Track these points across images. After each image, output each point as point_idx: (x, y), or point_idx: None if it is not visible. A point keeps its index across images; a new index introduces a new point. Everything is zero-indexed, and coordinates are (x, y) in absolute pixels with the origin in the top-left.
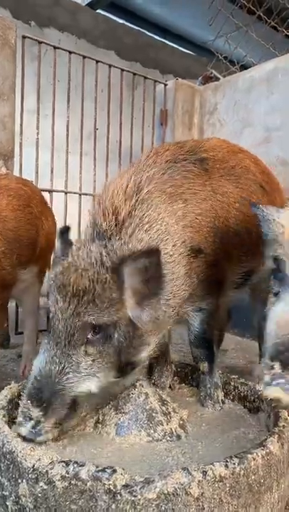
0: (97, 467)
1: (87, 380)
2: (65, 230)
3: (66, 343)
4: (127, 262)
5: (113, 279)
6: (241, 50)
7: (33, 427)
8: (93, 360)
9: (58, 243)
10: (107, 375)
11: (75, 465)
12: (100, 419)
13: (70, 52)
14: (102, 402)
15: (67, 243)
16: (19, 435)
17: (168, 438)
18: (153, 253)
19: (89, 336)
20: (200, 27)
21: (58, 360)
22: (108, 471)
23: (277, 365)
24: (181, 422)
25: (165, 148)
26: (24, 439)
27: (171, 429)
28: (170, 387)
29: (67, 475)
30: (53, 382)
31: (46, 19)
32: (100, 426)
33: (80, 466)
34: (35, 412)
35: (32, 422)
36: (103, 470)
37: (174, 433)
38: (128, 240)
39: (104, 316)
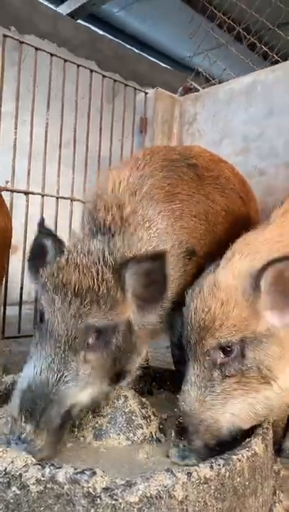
0: (75, 469)
1: (85, 389)
2: (42, 222)
3: (66, 348)
4: (130, 264)
5: (115, 280)
6: (221, 64)
7: (26, 447)
8: (92, 368)
9: (37, 240)
10: (102, 384)
11: (52, 467)
12: (76, 422)
13: (51, 55)
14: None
15: (51, 237)
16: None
17: (147, 441)
18: (158, 257)
19: (90, 341)
20: (179, 43)
21: (56, 368)
22: (87, 473)
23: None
24: (161, 425)
25: (160, 148)
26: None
27: (151, 432)
28: (149, 392)
29: (42, 478)
30: (49, 392)
31: (27, 25)
32: (76, 430)
33: (57, 468)
34: (28, 428)
35: (25, 442)
36: (82, 472)
37: (154, 437)
38: (130, 238)
39: (106, 318)
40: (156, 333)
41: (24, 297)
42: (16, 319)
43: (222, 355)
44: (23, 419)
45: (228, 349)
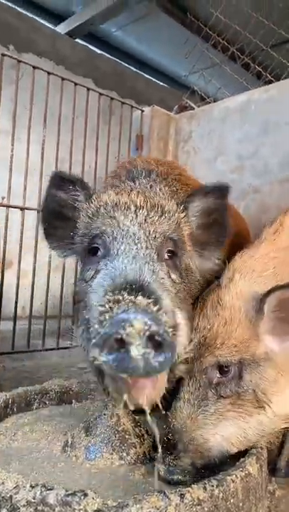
0: (66, 491)
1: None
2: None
3: (153, 252)
4: (192, 197)
5: (180, 211)
6: (215, 82)
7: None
8: (178, 284)
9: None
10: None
11: (43, 489)
12: (69, 441)
13: (48, 73)
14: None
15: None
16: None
17: (141, 461)
18: (222, 191)
19: (166, 257)
20: (175, 62)
21: (151, 263)
22: (79, 495)
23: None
24: (154, 443)
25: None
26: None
27: (144, 451)
28: (142, 411)
29: (33, 500)
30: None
31: (25, 44)
32: (69, 449)
33: (48, 489)
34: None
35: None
36: (73, 494)
37: (148, 456)
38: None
39: (175, 232)
40: None
41: (18, 312)
42: (9, 334)
43: (218, 375)
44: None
45: (226, 369)
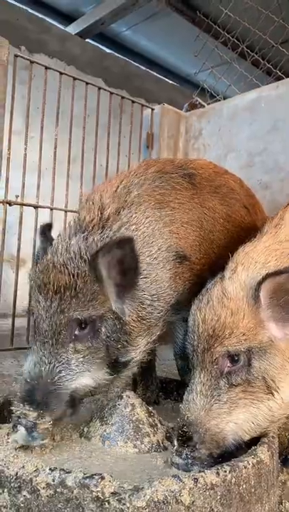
0: (84, 474)
1: (81, 376)
2: (48, 227)
3: (54, 341)
4: (101, 254)
5: (92, 272)
6: (225, 80)
7: (29, 432)
8: (84, 357)
9: (38, 241)
10: (99, 371)
11: (62, 472)
12: (85, 431)
13: (60, 73)
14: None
15: (48, 241)
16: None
17: (155, 449)
18: (125, 242)
19: (76, 332)
20: (184, 60)
21: (47, 360)
22: (96, 477)
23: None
24: (167, 434)
25: (156, 161)
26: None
27: (158, 440)
28: (155, 402)
29: (52, 482)
30: (46, 383)
31: (36, 45)
32: (84, 439)
33: (67, 473)
34: (30, 415)
35: (27, 426)
36: (91, 477)
37: (161, 445)
38: (112, 235)
39: (88, 309)
40: (153, 330)
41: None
42: (23, 331)
43: (229, 364)
44: (24, 408)
45: (236, 358)
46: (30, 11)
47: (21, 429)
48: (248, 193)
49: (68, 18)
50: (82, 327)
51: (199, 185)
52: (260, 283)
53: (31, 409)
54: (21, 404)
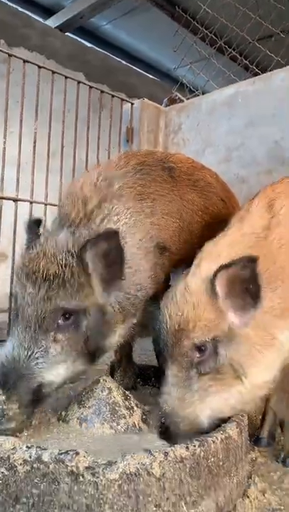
0: (59, 450)
1: (56, 366)
2: (37, 222)
3: (36, 328)
4: (88, 247)
5: (78, 264)
6: (204, 76)
7: None
8: (62, 347)
9: (26, 235)
10: (75, 363)
11: (38, 449)
12: (63, 414)
13: (39, 67)
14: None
15: (35, 235)
16: None
17: (130, 430)
18: (111, 236)
19: (59, 322)
20: (164, 55)
21: (26, 345)
22: (71, 453)
23: None
24: (143, 416)
25: (136, 153)
26: None
27: (134, 422)
28: (133, 387)
29: (29, 459)
30: (21, 367)
31: (16, 39)
32: (63, 422)
33: (43, 449)
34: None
35: None
36: (66, 453)
37: (137, 426)
38: (96, 229)
39: (74, 300)
40: (132, 320)
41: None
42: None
43: (198, 355)
44: None
45: (203, 348)
46: (9, 4)
47: None
48: (224, 187)
49: (48, 11)
50: (66, 317)
51: (178, 179)
52: (215, 275)
53: (3, 395)
54: None
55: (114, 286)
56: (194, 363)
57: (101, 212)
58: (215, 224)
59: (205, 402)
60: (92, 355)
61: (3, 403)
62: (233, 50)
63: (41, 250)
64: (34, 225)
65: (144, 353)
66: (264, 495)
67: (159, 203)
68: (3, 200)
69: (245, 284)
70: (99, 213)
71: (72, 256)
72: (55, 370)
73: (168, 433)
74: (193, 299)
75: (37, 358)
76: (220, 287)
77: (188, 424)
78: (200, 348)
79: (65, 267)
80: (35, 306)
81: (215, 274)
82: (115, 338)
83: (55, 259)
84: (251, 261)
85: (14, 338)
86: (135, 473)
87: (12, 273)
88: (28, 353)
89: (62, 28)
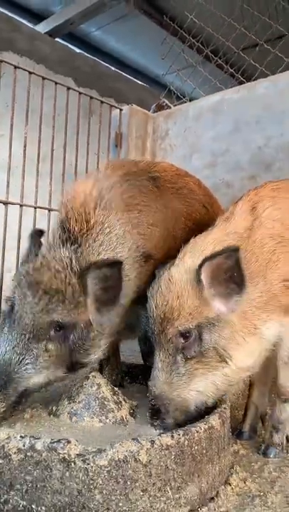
0: (52, 439)
1: (40, 373)
2: (39, 232)
3: (30, 336)
4: (91, 270)
5: (79, 284)
6: (191, 83)
7: None
8: (49, 356)
9: (28, 244)
10: (56, 371)
11: (31, 438)
12: (54, 409)
13: (30, 73)
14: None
15: (38, 245)
16: None
17: (119, 423)
18: (115, 265)
19: (51, 333)
20: (153, 62)
21: (19, 351)
22: (63, 441)
23: None
24: (131, 410)
25: (122, 163)
26: None
27: (122, 416)
28: (120, 385)
29: (23, 447)
30: (11, 371)
31: (5, 43)
32: (53, 416)
33: (36, 439)
34: None
35: None
36: (58, 441)
37: (125, 420)
38: (93, 244)
39: (69, 316)
40: (115, 329)
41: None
42: None
43: (183, 341)
44: None
45: (187, 334)
46: None
47: None
48: (207, 193)
49: (38, 16)
50: (57, 329)
51: (163, 188)
52: (200, 265)
53: None
54: None
55: (108, 309)
56: (180, 349)
57: (97, 225)
58: (197, 229)
59: (191, 384)
60: (74, 366)
61: None
62: (220, 58)
63: (46, 263)
64: (36, 235)
65: (131, 354)
66: (245, 482)
67: (144, 214)
68: None
69: (230, 272)
70: (96, 226)
71: (75, 274)
72: (40, 375)
73: (158, 415)
74: (177, 289)
75: (27, 364)
76: (205, 277)
77: (176, 405)
78: (184, 335)
79: (68, 285)
80: (33, 316)
81: (201, 265)
82: (99, 351)
83: (59, 276)
84: (234, 250)
85: (8, 341)
86: (123, 460)
87: (2, 276)
88: (19, 358)
89: (52, 33)
